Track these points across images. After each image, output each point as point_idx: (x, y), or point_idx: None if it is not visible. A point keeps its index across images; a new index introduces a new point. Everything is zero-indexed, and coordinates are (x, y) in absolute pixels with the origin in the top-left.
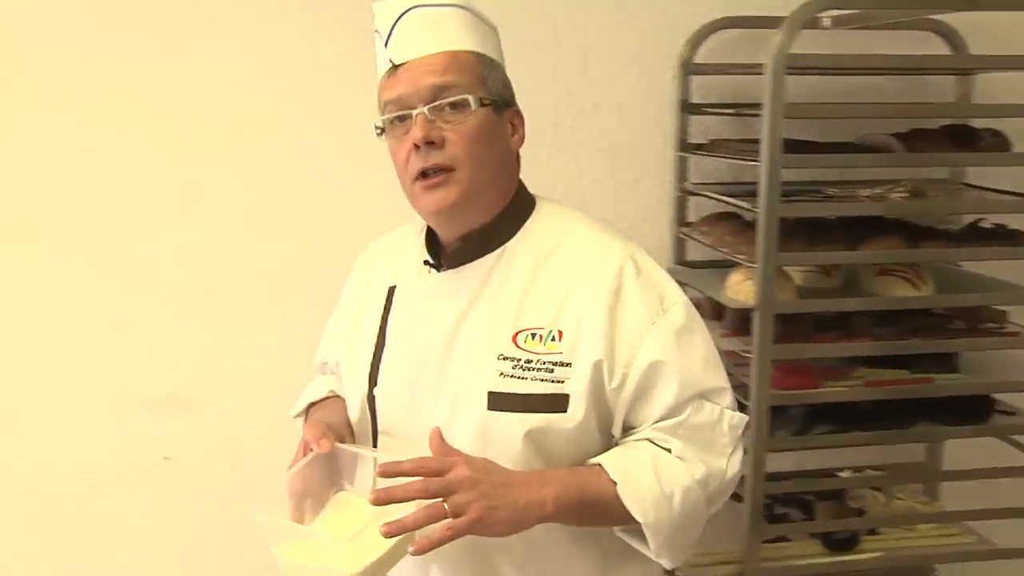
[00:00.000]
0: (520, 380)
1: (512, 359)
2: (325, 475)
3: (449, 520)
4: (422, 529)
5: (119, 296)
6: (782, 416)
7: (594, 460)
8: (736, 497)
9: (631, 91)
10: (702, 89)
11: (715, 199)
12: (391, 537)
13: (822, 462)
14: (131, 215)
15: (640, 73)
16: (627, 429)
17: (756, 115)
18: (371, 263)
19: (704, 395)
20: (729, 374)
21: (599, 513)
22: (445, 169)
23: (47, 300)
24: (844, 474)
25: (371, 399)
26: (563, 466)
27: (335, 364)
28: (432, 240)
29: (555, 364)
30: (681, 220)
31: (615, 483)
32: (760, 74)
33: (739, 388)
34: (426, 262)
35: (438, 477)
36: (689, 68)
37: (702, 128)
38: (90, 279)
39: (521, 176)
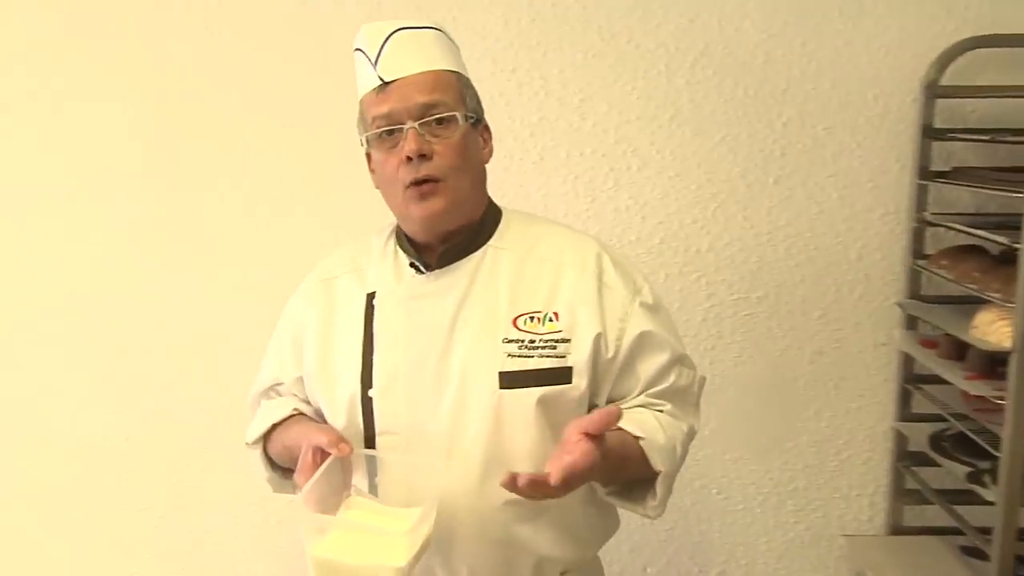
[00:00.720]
0: (527, 358)
1: (516, 341)
2: (337, 480)
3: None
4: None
5: None
6: None
7: None
8: (979, 554)
9: (867, 115)
10: (942, 113)
11: (960, 231)
12: (509, 488)
13: None
14: None
15: (878, 96)
16: (609, 401)
17: (1020, 142)
18: (330, 277)
19: (681, 361)
20: (968, 418)
21: (622, 468)
22: (434, 179)
23: None
24: None
25: (366, 401)
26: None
27: (293, 382)
28: (410, 245)
29: (557, 341)
30: (918, 252)
31: (637, 438)
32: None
33: (983, 435)
34: (412, 264)
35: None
36: (935, 91)
37: (942, 155)
38: None
39: (746, 201)
